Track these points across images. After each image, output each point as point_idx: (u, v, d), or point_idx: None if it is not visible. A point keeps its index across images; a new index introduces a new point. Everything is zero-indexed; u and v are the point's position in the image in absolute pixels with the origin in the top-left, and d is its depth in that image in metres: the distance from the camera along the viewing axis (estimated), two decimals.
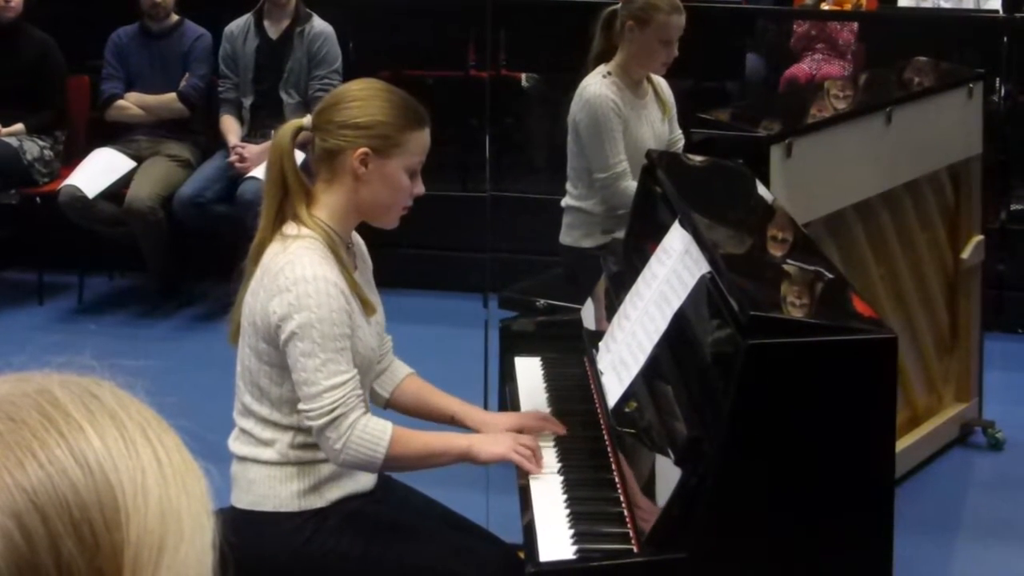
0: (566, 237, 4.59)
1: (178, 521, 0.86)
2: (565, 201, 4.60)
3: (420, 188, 2.84)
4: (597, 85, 4.41)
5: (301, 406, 2.70)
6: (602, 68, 4.47)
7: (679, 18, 4.39)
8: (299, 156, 2.93)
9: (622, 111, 4.39)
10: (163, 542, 0.85)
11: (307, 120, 2.85)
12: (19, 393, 0.87)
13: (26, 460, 0.83)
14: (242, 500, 2.79)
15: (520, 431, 2.93)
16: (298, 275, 2.66)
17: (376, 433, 2.71)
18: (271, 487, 2.77)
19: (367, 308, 2.80)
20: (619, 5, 4.48)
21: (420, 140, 2.81)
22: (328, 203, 2.78)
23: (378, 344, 2.91)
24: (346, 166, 2.76)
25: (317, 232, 2.73)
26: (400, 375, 3.06)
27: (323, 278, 2.66)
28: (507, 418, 3.04)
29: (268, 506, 2.77)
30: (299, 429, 2.76)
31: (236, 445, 2.83)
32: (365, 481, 2.85)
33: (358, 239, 2.95)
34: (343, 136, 2.75)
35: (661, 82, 4.61)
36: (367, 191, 2.77)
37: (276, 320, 2.67)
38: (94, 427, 0.86)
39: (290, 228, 2.74)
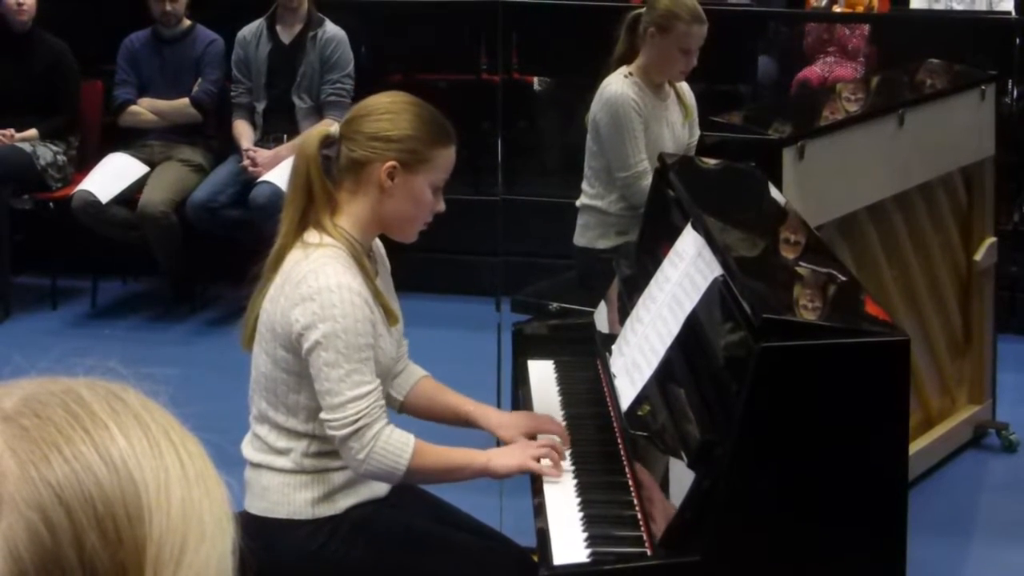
0: (580, 238, 4.60)
1: (200, 522, 0.87)
2: (580, 201, 4.60)
3: (441, 205, 2.85)
4: (618, 84, 4.43)
5: (324, 415, 2.69)
6: (623, 69, 4.48)
7: (700, 28, 4.39)
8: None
9: (642, 110, 4.41)
10: (185, 541, 0.86)
11: (335, 128, 2.84)
12: (46, 392, 0.89)
13: (52, 455, 0.84)
14: (255, 506, 2.79)
15: (533, 435, 2.93)
16: (322, 284, 2.65)
17: (399, 445, 2.71)
18: (285, 494, 2.77)
19: (390, 318, 2.80)
20: (643, 9, 4.49)
21: (447, 157, 2.81)
22: (352, 212, 2.78)
23: (397, 352, 2.91)
24: (372, 178, 2.76)
25: (340, 241, 2.73)
26: (415, 378, 3.06)
27: (347, 287, 2.66)
28: (522, 418, 3.03)
29: (282, 513, 2.77)
30: (314, 437, 2.75)
31: (250, 451, 2.83)
32: (379, 488, 2.84)
33: (377, 243, 2.95)
34: (372, 148, 2.75)
35: (683, 86, 4.62)
36: (391, 204, 2.77)
37: (299, 329, 2.67)
38: (119, 426, 0.87)
39: (312, 236, 2.74)
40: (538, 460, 2.81)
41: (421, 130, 2.76)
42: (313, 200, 2.76)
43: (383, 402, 2.74)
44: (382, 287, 2.84)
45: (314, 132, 2.85)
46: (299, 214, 2.76)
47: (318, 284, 2.66)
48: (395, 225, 2.84)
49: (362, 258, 2.76)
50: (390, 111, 2.79)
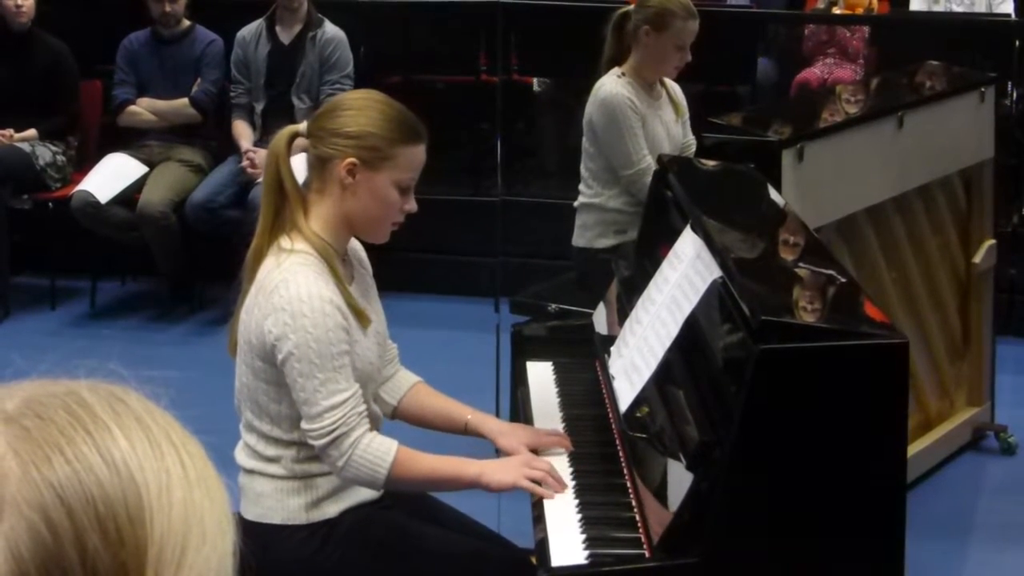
0: (579, 239, 4.60)
1: (201, 523, 0.88)
2: (578, 200, 4.60)
3: (412, 205, 2.78)
4: (612, 84, 4.44)
5: (303, 425, 2.68)
6: (616, 70, 4.49)
7: (694, 24, 4.42)
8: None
9: (638, 108, 4.42)
10: (186, 542, 0.87)
11: (303, 126, 2.81)
12: (47, 393, 0.89)
13: (53, 456, 0.85)
14: (250, 511, 2.78)
15: (534, 450, 2.88)
16: (292, 294, 2.63)
17: (379, 453, 2.68)
18: (279, 500, 2.76)
19: (362, 320, 2.75)
20: (632, 8, 4.50)
21: (412, 156, 2.75)
22: (320, 213, 2.75)
23: (378, 355, 2.86)
24: (334, 175, 2.72)
25: (312, 246, 2.70)
26: (407, 384, 3.03)
27: (318, 296, 2.63)
28: (523, 430, 2.99)
29: (276, 519, 2.76)
30: (302, 444, 2.73)
31: (242, 457, 2.82)
32: (372, 491, 2.81)
33: (355, 245, 2.92)
34: (333, 144, 2.72)
35: (674, 85, 4.64)
36: (354, 203, 2.73)
37: (272, 340, 2.65)
38: (120, 428, 0.88)
39: (285, 241, 2.71)
40: (534, 480, 2.74)
41: (383, 127, 2.71)
42: (287, 199, 2.74)
43: (362, 408, 2.70)
44: (358, 291, 2.80)
45: (284, 130, 2.81)
46: (272, 213, 2.74)
47: (289, 294, 2.63)
48: (361, 225, 2.78)
49: (334, 263, 2.72)
50: (354, 107, 2.75)
